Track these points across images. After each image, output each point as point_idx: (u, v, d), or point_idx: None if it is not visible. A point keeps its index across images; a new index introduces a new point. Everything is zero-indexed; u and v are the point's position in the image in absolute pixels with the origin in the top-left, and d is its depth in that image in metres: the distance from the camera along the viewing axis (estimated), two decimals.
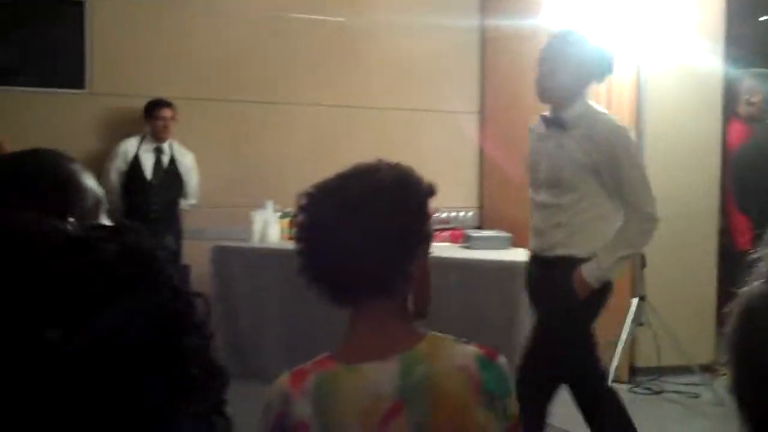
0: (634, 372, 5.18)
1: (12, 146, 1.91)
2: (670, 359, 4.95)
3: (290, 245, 1.56)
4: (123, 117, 5.60)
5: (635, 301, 4.94)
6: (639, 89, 5.12)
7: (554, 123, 3.25)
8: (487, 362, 1.40)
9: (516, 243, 5.16)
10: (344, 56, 6.09)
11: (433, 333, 1.44)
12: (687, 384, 4.91)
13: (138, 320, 0.67)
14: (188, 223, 5.60)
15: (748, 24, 6.60)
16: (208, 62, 5.77)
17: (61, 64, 5.56)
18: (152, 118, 5.39)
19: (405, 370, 1.37)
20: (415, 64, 6.19)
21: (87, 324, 0.65)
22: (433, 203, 1.46)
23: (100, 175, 5.10)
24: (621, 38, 5.05)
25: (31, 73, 5.48)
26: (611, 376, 4.68)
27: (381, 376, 1.36)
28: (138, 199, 5.31)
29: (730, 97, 5.49)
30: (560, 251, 3.18)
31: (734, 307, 0.84)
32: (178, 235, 5.43)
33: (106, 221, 1.42)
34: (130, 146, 5.40)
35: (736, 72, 5.52)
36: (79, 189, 1.40)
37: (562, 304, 3.15)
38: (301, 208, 1.43)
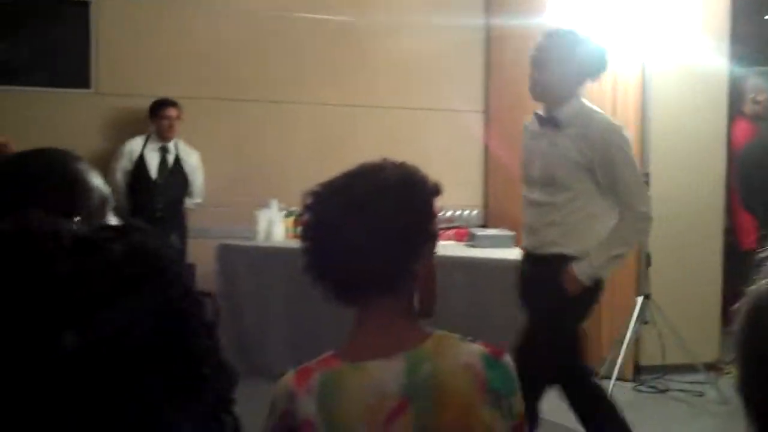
0: (638, 370, 5.17)
1: (18, 146, 1.92)
2: (674, 358, 4.94)
3: (295, 244, 1.56)
4: (128, 116, 5.60)
5: (640, 299, 4.93)
6: (644, 88, 5.10)
7: (548, 122, 3.23)
8: (492, 361, 1.40)
9: (520, 241, 5.14)
10: (349, 55, 6.09)
11: (439, 331, 1.44)
12: (692, 382, 4.90)
13: (143, 320, 0.68)
14: (193, 221, 5.60)
15: (753, 22, 6.58)
16: (214, 62, 5.77)
17: (67, 63, 5.57)
18: (157, 117, 5.40)
19: (410, 368, 1.36)
20: (420, 63, 6.18)
21: (92, 323, 0.65)
22: (438, 202, 1.46)
23: (106, 175, 5.10)
24: (626, 37, 5.04)
25: (36, 72, 5.50)
26: (616, 374, 4.69)
27: (386, 374, 1.36)
28: (143, 198, 5.32)
29: (736, 95, 5.48)
30: (554, 249, 3.17)
31: (741, 306, 0.85)
32: (183, 233, 5.44)
33: (113, 220, 1.42)
34: (135, 145, 5.41)
35: (741, 70, 5.51)
36: (86, 188, 1.41)
37: (553, 301, 3.13)
38: (307, 207, 1.44)
